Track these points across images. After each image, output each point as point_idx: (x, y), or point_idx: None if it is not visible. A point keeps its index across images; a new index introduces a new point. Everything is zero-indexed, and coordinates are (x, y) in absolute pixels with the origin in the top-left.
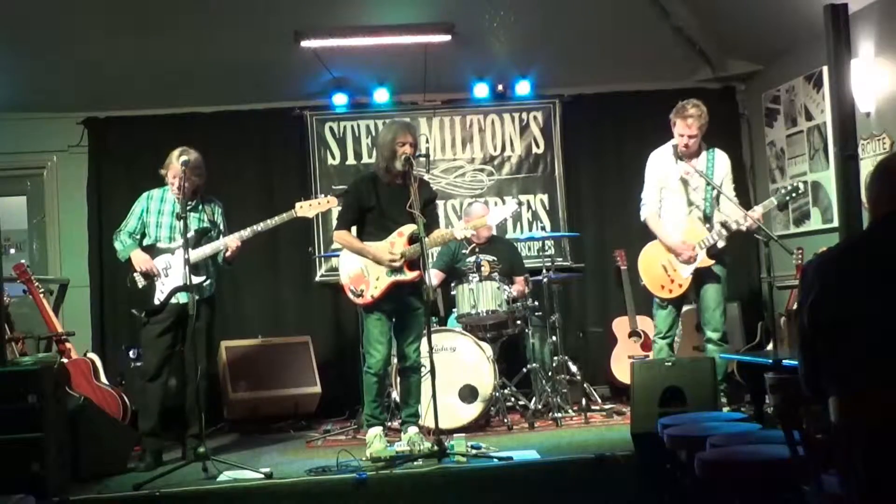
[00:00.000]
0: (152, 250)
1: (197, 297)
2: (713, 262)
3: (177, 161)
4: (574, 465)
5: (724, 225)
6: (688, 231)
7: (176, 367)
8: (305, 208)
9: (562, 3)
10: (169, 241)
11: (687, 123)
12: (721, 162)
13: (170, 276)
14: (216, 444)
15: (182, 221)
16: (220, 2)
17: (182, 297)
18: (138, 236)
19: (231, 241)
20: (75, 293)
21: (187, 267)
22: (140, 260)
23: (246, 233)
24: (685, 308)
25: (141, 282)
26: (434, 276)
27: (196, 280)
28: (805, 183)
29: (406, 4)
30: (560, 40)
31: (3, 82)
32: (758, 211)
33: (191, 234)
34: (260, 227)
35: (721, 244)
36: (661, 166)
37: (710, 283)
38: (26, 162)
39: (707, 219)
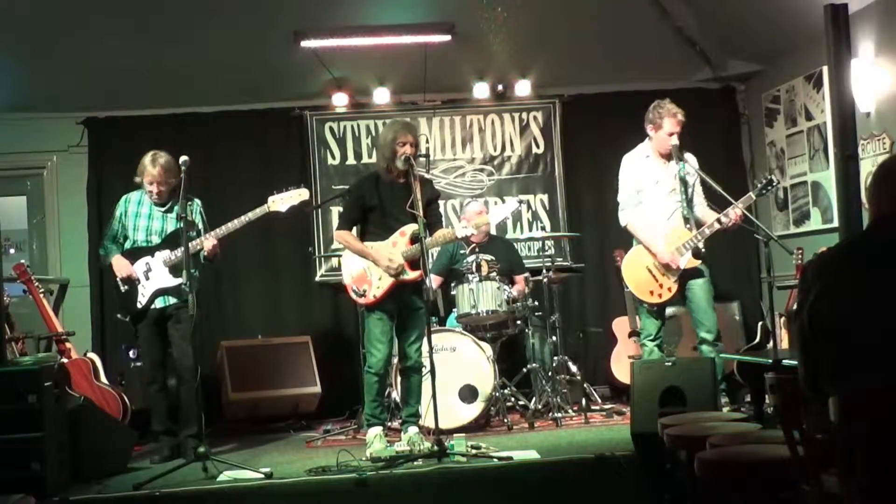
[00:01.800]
0: (133, 254)
1: (177, 300)
2: (699, 262)
3: (152, 166)
4: (574, 465)
5: (700, 225)
6: (670, 235)
7: (171, 368)
8: (277, 202)
9: (562, 2)
10: (146, 244)
11: (678, 119)
12: (692, 165)
13: (150, 278)
14: (216, 444)
15: (182, 222)
16: (220, 2)
17: (159, 302)
18: (121, 240)
19: (206, 242)
20: (75, 293)
21: (187, 268)
22: (118, 266)
23: (221, 231)
24: (684, 308)
25: (124, 287)
26: (432, 281)
27: (176, 281)
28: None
29: (406, 4)
30: (560, 40)
31: (3, 82)
32: (738, 208)
33: (165, 236)
34: (235, 223)
35: (701, 244)
36: (636, 169)
37: (696, 279)
38: (26, 162)
39: (687, 220)
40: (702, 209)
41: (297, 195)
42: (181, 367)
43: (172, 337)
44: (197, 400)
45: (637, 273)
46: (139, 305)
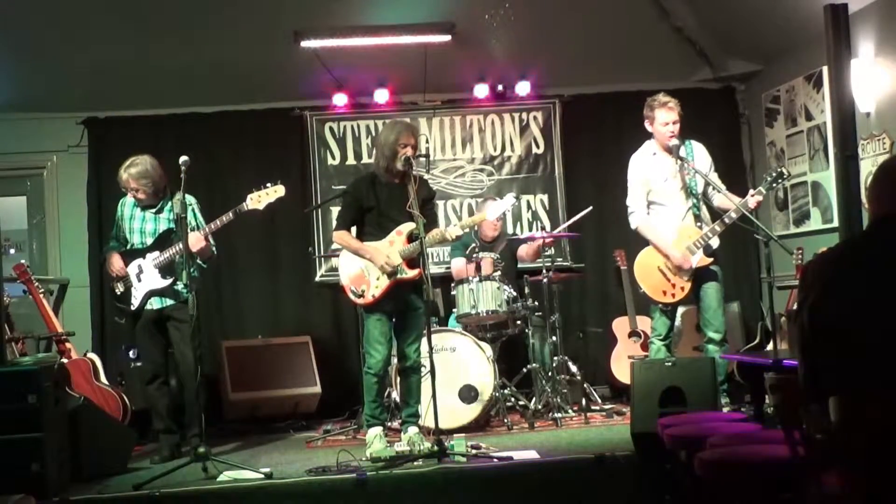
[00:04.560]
0: (129, 256)
1: (174, 301)
2: (711, 260)
3: (124, 173)
4: (574, 465)
5: (720, 216)
6: (681, 232)
7: (172, 368)
8: (255, 200)
9: (562, 3)
10: (141, 246)
11: (669, 107)
12: (701, 154)
13: (142, 280)
14: (216, 444)
15: (181, 223)
16: (220, 2)
17: (155, 303)
18: (123, 242)
19: (192, 241)
20: (75, 293)
21: (187, 268)
22: (110, 262)
23: (203, 231)
24: (687, 308)
25: (119, 288)
26: (460, 264)
27: (166, 282)
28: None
29: (406, 4)
30: (560, 40)
31: (3, 82)
32: (750, 202)
33: (157, 237)
34: (216, 223)
35: (715, 242)
36: (644, 168)
37: (710, 282)
38: (26, 162)
39: (697, 217)
40: (720, 197)
41: (273, 192)
42: (182, 368)
43: (173, 337)
44: (197, 400)
45: (649, 274)
46: (132, 307)
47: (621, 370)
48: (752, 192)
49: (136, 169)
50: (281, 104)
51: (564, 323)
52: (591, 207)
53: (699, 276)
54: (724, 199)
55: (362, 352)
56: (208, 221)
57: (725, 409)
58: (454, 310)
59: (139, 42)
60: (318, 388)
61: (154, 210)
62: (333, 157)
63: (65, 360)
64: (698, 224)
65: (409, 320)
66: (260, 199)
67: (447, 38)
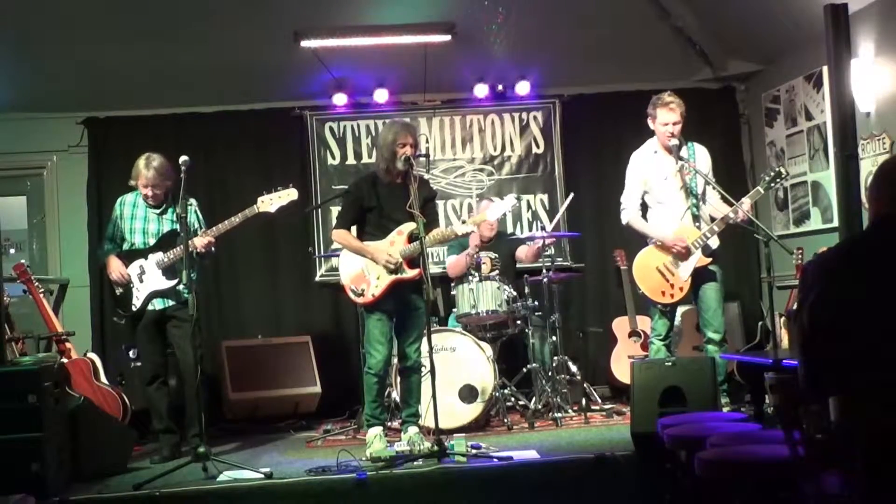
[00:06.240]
0: (129, 256)
1: (175, 301)
2: (710, 260)
3: (146, 169)
4: (574, 465)
5: (714, 220)
6: (678, 232)
7: (172, 368)
8: (266, 203)
9: (561, 3)
10: (143, 246)
11: (670, 108)
12: (702, 155)
13: (144, 281)
14: (216, 444)
15: (181, 223)
16: (220, 2)
17: (157, 304)
18: (119, 242)
19: (198, 240)
20: (75, 293)
21: (186, 269)
22: (111, 267)
23: (211, 232)
24: (687, 308)
25: (118, 289)
26: (454, 259)
27: (170, 283)
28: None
29: (406, 4)
30: (560, 40)
31: (3, 82)
32: (746, 202)
33: (159, 238)
34: (225, 224)
35: (714, 242)
36: (644, 165)
37: (709, 282)
38: (26, 162)
39: (696, 217)
40: (715, 200)
41: (285, 195)
42: (183, 368)
43: (174, 337)
44: (197, 400)
45: (648, 275)
46: (134, 308)
47: (621, 370)
48: (743, 201)
49: (157, 163)
50: (281, 104)
51: (564, 323)
52: (572, 194)
53: (698, 277)
54: (718, 204)
55: (362, 352)
56: (208, 222)
57: (725, 409)
58: (454, 310)
59: (139, 42)
60: (318, 388)
61: (158, 211)
62: (333, 157)
63: (65, 360)
64: (696, 224)
65: (410, 320)
66: (272, 201)
67: (447, 38)
